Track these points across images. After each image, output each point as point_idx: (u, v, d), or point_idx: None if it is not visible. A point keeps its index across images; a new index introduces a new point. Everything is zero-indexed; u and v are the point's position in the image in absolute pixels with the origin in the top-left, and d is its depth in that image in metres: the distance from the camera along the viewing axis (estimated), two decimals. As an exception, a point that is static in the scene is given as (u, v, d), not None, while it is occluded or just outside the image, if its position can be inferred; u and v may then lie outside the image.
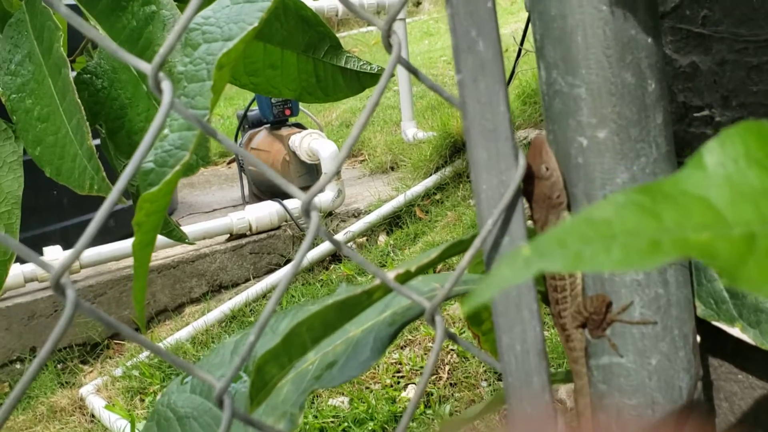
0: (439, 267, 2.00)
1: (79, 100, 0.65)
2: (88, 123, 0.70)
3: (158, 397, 0.65)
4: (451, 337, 0.47)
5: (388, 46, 0.45)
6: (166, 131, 0.53)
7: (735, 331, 0.52)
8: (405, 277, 0.49)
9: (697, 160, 0.25)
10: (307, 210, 0.43)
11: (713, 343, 0.61)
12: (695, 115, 0.57)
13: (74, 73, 0.85)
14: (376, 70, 0.94)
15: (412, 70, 0.47)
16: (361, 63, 0.94)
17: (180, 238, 0.92)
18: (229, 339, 0.66)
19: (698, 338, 0.51)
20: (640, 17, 0.46)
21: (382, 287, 0.49)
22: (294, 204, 2.60)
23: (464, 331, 1.98)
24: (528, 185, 0.48)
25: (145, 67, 0.39)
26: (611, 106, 0.47)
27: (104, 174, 0.71)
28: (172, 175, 0.47)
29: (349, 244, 2.58)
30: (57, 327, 0.34)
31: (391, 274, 0.48)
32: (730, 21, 0.55)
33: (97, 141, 0.85)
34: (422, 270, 0.50)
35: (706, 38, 0.55)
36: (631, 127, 0.47)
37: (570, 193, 0.49)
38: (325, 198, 2.64)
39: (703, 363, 0.61)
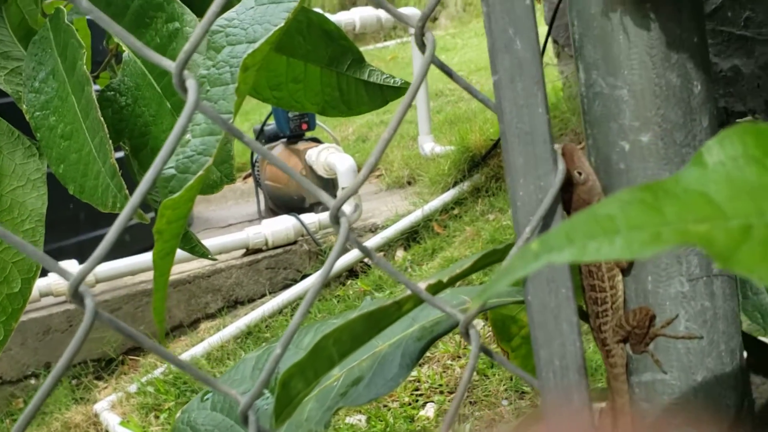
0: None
1: (101, 118, 0.63)
2: (111, 141, 0.69)
3: (178, 415, 0.63)
4: (486, 352, 0.45)
5: (422, 45, 0.43)
6: (188, 136, 0.51)
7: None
8: (436, 288, 0.47)
9: (698, 158, 0.26)
10: (335, 216, 0.41)
11: (756, 359, 0.58)
12: (737, 120, 0.54)
13: (98, 89, 0.84)
14: (399, 83, 0.93)
15: (446, 70, 0.45)
16: (385, 76, 0.92)
17: (203, 253, 0.90)
18: (249, 354, 0.64)
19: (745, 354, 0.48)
20: (685, 15, 0.44)
21: (413, 298, 0.47)
22: (311, 219, 2.58)
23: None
24: (565, 193, 0.46)
25: (169, 65, 0.37)
26: (655, 109, 0.44)
27: (127, 192, 0.70)
28: (194, 181, 0.45)
29: (366, 259, 2.56)
30: (75, 337, 0.32)
31: (422, 285, 0.46)
32: (775, 22, 0.53)
33: (120, 154, 0.84)
34: (454, 281, 0.48)
35: (748, 41, 0.53)
36: (676, 131, 0.45)
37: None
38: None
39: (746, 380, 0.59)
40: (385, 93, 0.93)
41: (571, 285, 0.45)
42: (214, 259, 0.84)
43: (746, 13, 0.52)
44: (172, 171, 0.49)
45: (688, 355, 0.46)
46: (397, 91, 0.92)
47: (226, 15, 0.53)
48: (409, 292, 0.45)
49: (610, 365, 0.48)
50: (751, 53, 0.52)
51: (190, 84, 0.36)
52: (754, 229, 0.24)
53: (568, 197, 0.46)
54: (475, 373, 1.88)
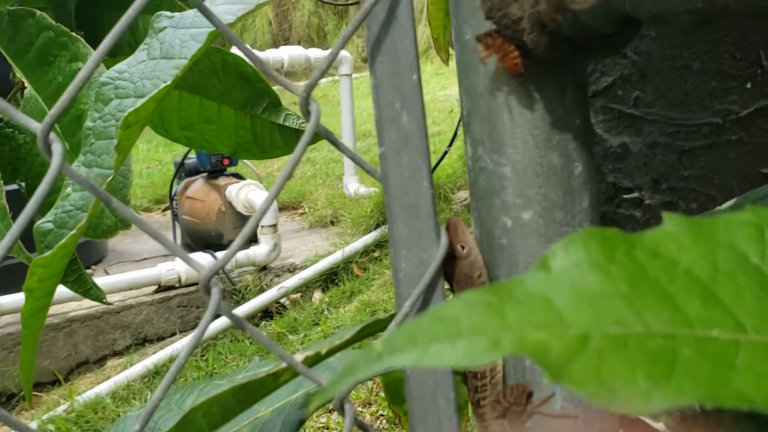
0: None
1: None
2: (3, 180, 0.66)
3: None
4: (361, 427, 0.44)
5: (306, 114, 0.42)
6: (68, 190, 0.49)
7: (660, 426, 0.50)
8: (315, 360, 0.46)
9: (543, 262, 0.26)
10: (206, 287, 0.40)
11: (638, 432, 0.59)
12: (625, 196, 0.56)
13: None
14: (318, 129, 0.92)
15: (332, 140, 0.44)
16: (300, 121, 0.92)
17: (97, 297, 0.87)
18: (131, 412, 0.61)
19: None
20: (568, 98, 0.45)
21: (290, 370, 0.46)
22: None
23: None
24: (448, 267, 0.46)
25: (35, 126, 0.36)
26: (537, 187, 0.45)
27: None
28: (67, 239, 0.44)
29: (282, 300, 2.53)
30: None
31: (299, 357, 0.45)
32: (663, 103, 0.54)
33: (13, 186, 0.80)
34: (334, 352, 0.47)
35: (637, 119, 0.54)
36: (557, 210, 0.45)
37: (494, 275, 0.47)
38: (260, 251, 2.59)
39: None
40: (299, 137, 0.92)
41: (450, 360, 0.44)
42: (109, 303, 0.82)
43: (636, 92, 0.53)
44: (50, 226, 0.47)
45: (563, 433, 0.46)
46: (315, 136, 0.91)
47: (116, 67, 0.52)
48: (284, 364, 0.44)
49: (487, 442, 0.47)
50: (640, 132, 0.53)
51: (56, 148, 0.35)
52: (591, 340, 0.23)
53: (451, 270, 0.46)
54: (384, 421, 1.87)
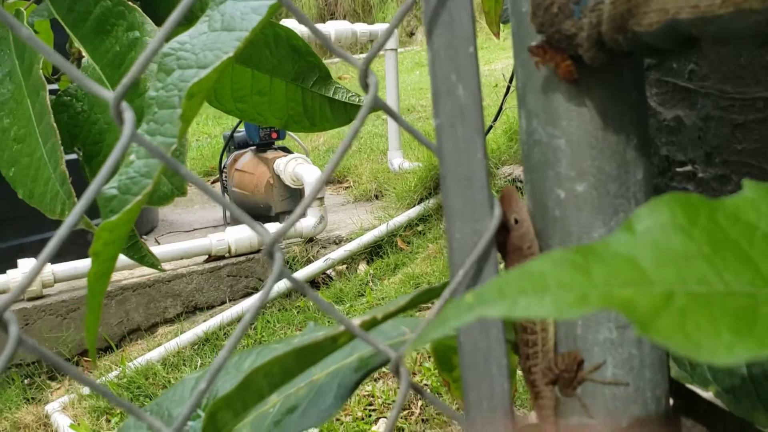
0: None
1: (54, 124, 0.63)
2: (62, 148, 0.68)
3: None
4: (416, 390, 0.45)
5: (365, 86, 0.43)
6: (132, 157, 0.51)
7: (708, 395, 0.51)
8: (371, 324, 0.47)
9: (627, 225, 0.27)
10: (270, 252, 0.41)
11: (687, 403, 0.59)
12: (678, 170, 0.56)
13: (57, 90, 0.83)
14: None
15: (390, 112, 0.45)
16: (350, 95, 0.93)
17: (152, 264, 0.90)
18: (189, 375, 0.64)
19: (671, 400, 0.49)
20: (624, 71, 0.45)
21: (347, 333, 0.47)
22: (275, 228, 2.57)
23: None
24: (500, 236, 0.46)
25: (108, 95, 0.37)
26: (591, 160, 0.45)
27: (75, 200, 0.70)
28: (133, 205, 0.46)
29: (329, 271, 2.56)
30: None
31: (356, 321, 0.46)
32: (717, 77, 0.54)
33: (74, 156, 0.83)
34: (389, 318, 0.48)
35: (691, 93, 0.54)
36: (610, 182, 0.46)
37: (546, 245, 0.47)
38: (306, 224, 2.62)
39: (676, 422, 0.60)
40: (349, 111, 0.93)
41: (503, 327, 0.45)
42: (163, 270, 0.84)
43: (690, 66, 0.53)
44: (114, 191, 0.49)
45: (614, 400, 0.47)
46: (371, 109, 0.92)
47: (178, 38, 0.54)
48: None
49: (539, 407, 0.48)
50: (694, 105, 0.53)
51: (128, 116, 0.37)
52: (675, 297, 0.25)
53: (503, 240, 0.47)
54: (429, 391, 1.89)
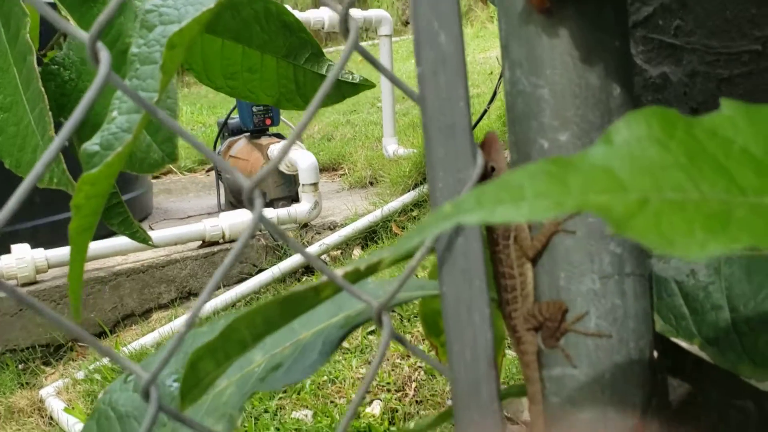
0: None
1: (42, 89, 0.63)
2: (51, 113, 0.67)
3: (100, 395, 0.63)
4: (398, 339, 0.45)
5: (345, 31, 0.43)
6: (114, 114, 0.51)
7: (694, 348, 0.51)
8: (355, 276, 0.47)
9: (606, 137, 0.28)
10: (250, 198, 0.41)
11: (673, 362, 0.59)
12: (663, 126, 0.55)
13: (42, 65, 0.83)
14: (357, 80, 0.93)
15: (369, 58, 0.45)
16: (343, 72, 0.92)
17: (143, 240, 0.89)
18: (202, 328, 0.64)
19: (656, 354, 0.49)
20: (607, 19, 0.45)
21: (331, 285, 0.47)
22: (270, 213, 2.57)
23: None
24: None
25: (83, 35, 0.37)
26: (574, 109, 0.45)
27: (65, 167, 0.69)
28: (113, 157, 0.45)
29: (323, 256, 2.55)
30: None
31: (339, 272, 0.46)
32: (703, 32, 0.54)
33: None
34: (372, 270, 0.48)
35: (677, 49, 0.54)
36: (594, 131, 0.45)
37: (529, 197, 0.47)
38: (301, 209, 2.62)
39: (663, 383, 0.60)
40: (342, 89, 0.93)
41: (485, 277, 0.45)
42: (155, 246, 0.83)
43: (676, 21, 0.53)
44: (96, 147, 0.49)
45: (597, 351, 0.47)
46: (355, 87, 0.91)
47: (161, -6, 0.53)
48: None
49: (521, 353, 0.48)
50: (680, 61, 0.53)
51: (103, 56, 0.36)
52: (650, 203, 0.25)
53: None
54: (422, 373, 1.89)
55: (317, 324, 0.57)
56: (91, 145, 0.50)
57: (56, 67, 0.81)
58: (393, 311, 2.17)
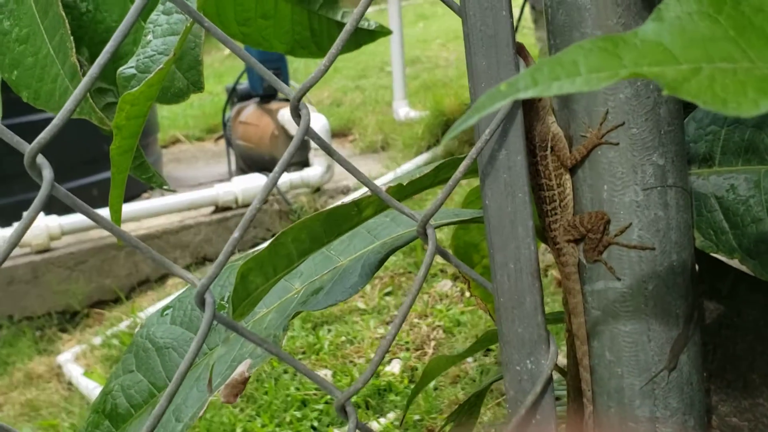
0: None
1: (62, 13, 0.61)
2: (72, 38, 0.65)
3: (137, 329, 0.63)
4: (441, 253, 0.45)
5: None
6: (149, 37, 0.51)
7: (734, 263, 0.51)
8: (397, 191, 0.47)
9: (657, 14, 0.28)
10: (296, 108, 0.41)
11: (709, 286, 0.59)
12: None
13: None
14: (374, 26, 0.91)
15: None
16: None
17: (160, 184, 0.89)
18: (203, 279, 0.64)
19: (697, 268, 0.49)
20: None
21: (373, 203, 0.47)
22: (282, 178, 2.57)
23: (453, 301, 1.97)
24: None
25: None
26: (616, 18, 0.45)
27: (89, 95, 0.68)
28: (154, 76, 0.45)
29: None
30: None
31: (382, 186, 0.46)
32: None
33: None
34: (415, 187, 0.48)
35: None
36: (637, 40, 0.45)
37: (571, 110, 0.47)
38: (313, 173, 2.62)
39: (700, 305, 0.60)
40: (358, 36, 0.91)
41: (528, 190, 0.45)
42: (173, 190, 0.83)
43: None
44: (132, 71, 0.49)
45: (640, 263, 0.47)
46: (372, 34, 0.90)
47: None
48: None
49: (561, 264, 0.48)
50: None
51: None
52: (702, 70, 0.25)
53: None
54: (441, 332, 1.90)
55: (354, 252, 0.57)
56: (127, 68, 0.50)
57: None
58: (410, 272, 2.17)
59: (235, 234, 0.38)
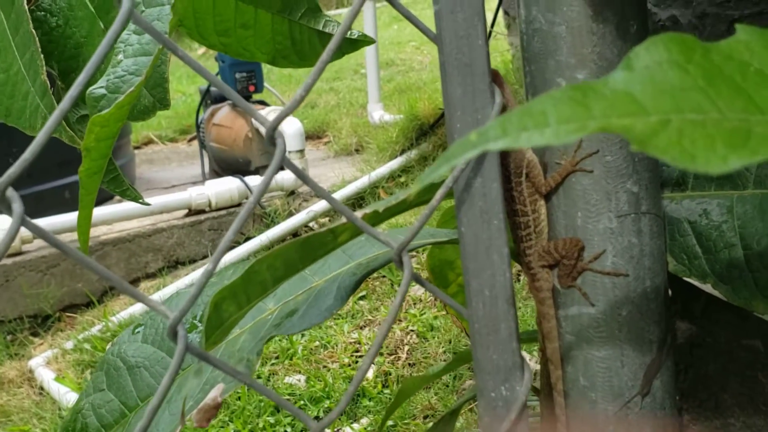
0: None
1: (33, 31, 0.60)
2: (42, 56, 0.65)
3: (108, 347, 0.63)
4: (417, 280, 0.45)
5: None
6: (120, 57, 0.50)
7: (707, 288, 0.51)
8: (373, 218, 0.47)
9: (626, 63, 0.28)
10: (271, 137, 0.41)
11: (682, 306, 0.60)
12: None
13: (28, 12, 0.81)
14: (356, 35, 0.91)
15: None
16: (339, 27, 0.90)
17: (134, 197, 0.88)
18: (185, 290, 0.63)
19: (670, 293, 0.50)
20: (624, -46, 0.45)
21: (349, 229, 0.47)
22: (255, 181, 2.56)
23: (435, 316, 1.97)
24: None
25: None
26: (591, 46, 0.45)
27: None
28: (124, 98, 0.45)
29: (311, 223, 2.55)
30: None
31: (358, 214, 0.46)
32: (712, -26, 0.53)
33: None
34: (391, 213, 0.48)
35: (687, -9, 0.54)
36: (611, 69, 0.45)
37: (545, 137, 0.47)
38: (288, 176, 2.61)
39: (672, 326, 0.60)
40: (341, 45, 0.91)
41: (503, 217, 0.45)
42: (147, 204, 0.82)
43: (686, -37, 0.52)
44: (102, 91, 0.48)
45: (614, 289, 0.47)
46: (354, 43, 0.90)
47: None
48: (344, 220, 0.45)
49: (536, 289, 0.48)
50: (689, 3, 0.53)
51: (124, -8, 0.36)
52: (671, 123, 0.25)
53: None
54: (414, 336, 1.90)
55: (329, 272, 0.57)
56: (97, 88, 0.50)
57: (43, 13, 0.79)
58: (383, 276, 2.17)
59: (209, 266, 0.38)
